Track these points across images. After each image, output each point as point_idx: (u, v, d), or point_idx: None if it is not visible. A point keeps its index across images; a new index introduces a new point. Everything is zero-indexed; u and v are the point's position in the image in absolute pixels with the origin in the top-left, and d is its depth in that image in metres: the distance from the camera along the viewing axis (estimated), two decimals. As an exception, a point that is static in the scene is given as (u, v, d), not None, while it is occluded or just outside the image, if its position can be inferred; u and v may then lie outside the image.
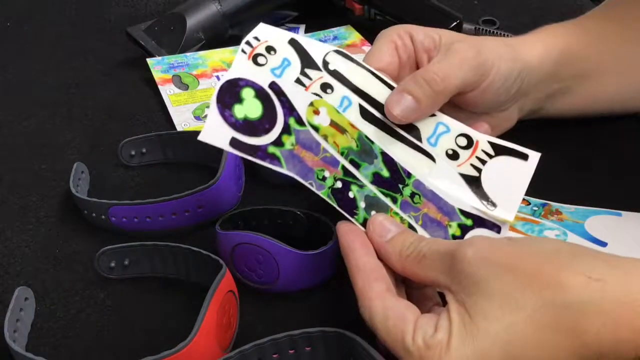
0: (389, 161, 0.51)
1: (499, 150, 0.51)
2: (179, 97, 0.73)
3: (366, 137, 0.51)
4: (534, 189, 0.59)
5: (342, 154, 0.50)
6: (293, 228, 0.55)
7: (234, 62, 0.50)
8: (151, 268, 0.54)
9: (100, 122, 0.72)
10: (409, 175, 0.50)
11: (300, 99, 0.50)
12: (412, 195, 0.50)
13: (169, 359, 0.43)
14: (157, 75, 0.75)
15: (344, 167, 0.49)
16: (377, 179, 0.50)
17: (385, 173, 0.50)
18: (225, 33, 0.82)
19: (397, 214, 0.49)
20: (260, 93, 0.49)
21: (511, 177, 0.50)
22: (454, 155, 0.51)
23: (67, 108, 0.74)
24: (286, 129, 0.49)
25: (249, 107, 0.49)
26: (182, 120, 0.70)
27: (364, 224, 0.48)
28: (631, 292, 0.37)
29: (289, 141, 0.49)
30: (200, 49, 0.79)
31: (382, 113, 0.51)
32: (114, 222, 0.57)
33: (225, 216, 0.54)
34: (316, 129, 0.50)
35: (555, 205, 0.57)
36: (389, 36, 0.56)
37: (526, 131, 0.60)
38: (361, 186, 0.49)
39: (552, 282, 0.38)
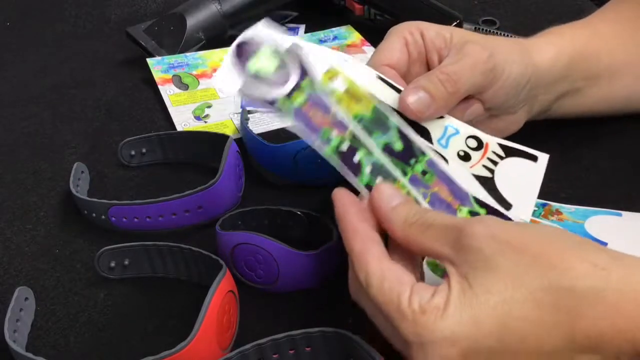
0: (403, 136, 0.49)
1: (509, 152, 0.50)
2: (179, 97, 0.73)
3: (382, 109, 0.49)
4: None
5: (354, 118, 0.48)
6: (293, 228, 0.55)
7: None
8: (151, 268, 0.54)
9: (100, 122, 0.72)
10: (422, 153, 0.49)
11: (316, 65, 0.49)
12: (424, 172, 0.49)
13: (169, 359, 0.43)
14: (157, 75, 0.76)
15: (353, 133, 0.48)
16: (388, 149, 0.48)
17: (397, 146, 0.49)
18: (225, 33, 0.82)
19: (404, 186, 0.48)
20: (276, 53, 0.48)
21: (523, 178, 0.50)
22: (465, 157, 0.50)
23: (67, 108, 0.74)
24: (298, 87, 0.48)
25: (264, 63, 0.48)
26: (182, 120, 0.70)
27: (367, 187, 0.47)
28: (633, 284, 0.38)
29: (299, 98, 0.48)
30: (200, 49, 0.79)
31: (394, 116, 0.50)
32: (114, 222, 0.57)
33: (225, 216, 0.54)
34: (330, 92, 0.49)
35: (555, 205, 0.57)
36: (400, 32, 0.56)
37: (526, 131, 0.60)
38: (369, 153, 0.48)
39: (558, 264, 0.38)
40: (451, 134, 0.51)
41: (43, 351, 0.49)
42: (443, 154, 0.50)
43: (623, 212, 0.56)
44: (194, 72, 0.76)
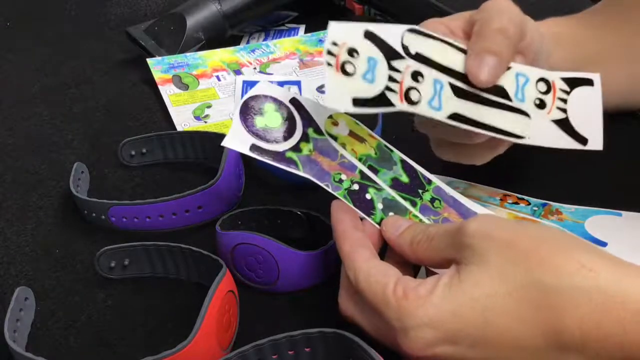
0: (408, 168, 0.51)
1: (572, 84, 0.52)
2: (179, 97, 0.73)
3: (385, 145, 0.52)
4: (534, 189, 0.59)
5: (360, 160, 0.51)
6: (293, 228, 0.55)
7: (327, 79, 0.47)
8: (151, 268, 0.54)
9: (100, 122, 0.72)
10: (429, 181, 0.51)
11: (319, 112, 0.51)
12: (432, 200, 0.51)
13: (169, 359, 0.43)
14: (157, 75, 0.75)
15: (361, 172, 0.50)
16: (396, 184, 0.50)
17: (404, 179, 0.51)
18: (225, 33, 0.82)
19: (416, 216, 0.50)
20: (280, 107, 0.51)
21: (587, 106, 0.51)
22: (541, 105, 0.51)
23: (67, 108, 0.74)
24: (304, 138, 0.50)
25: (269, 119, 0.51)
26: (182, 120, 0.70)
27: (380, 223, 0.49)
28: (622, 288, 0.38)
29: (306, 148, 0.50)
30: (200, 49, 0.79)
31: (470, 84, 0.49)
32: (114, 222, 0.57)
33: (225, 216, 0.54)
34: (335, 138, 0.51)
35: (555, 205, 0.57)
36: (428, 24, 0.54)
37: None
38: (379, 189, 0.50)
39: (545, 262, 0.39)
40: (523, 84, 0.51)
41: (43, 351, 0.49)
42: (523, 109, 0.50)
43: (623, 212, 0.56)
44: (194, 72, 0.76)
